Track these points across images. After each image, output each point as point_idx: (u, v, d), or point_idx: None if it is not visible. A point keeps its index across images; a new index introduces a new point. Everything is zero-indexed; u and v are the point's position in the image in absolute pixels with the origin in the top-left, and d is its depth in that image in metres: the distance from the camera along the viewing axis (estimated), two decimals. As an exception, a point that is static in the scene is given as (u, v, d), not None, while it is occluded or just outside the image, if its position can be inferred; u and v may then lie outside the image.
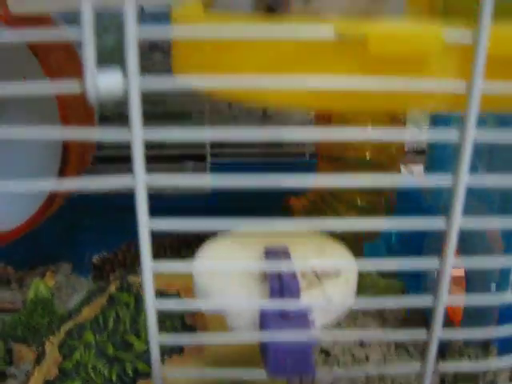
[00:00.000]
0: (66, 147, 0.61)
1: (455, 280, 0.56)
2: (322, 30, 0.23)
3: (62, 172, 0.62)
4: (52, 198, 0.65)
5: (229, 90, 0.24)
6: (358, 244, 0.65)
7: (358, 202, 0.62)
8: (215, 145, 0.79)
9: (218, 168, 0.78)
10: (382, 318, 0.58)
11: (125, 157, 0.75)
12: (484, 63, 0.24)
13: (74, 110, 0.62)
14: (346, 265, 0.39)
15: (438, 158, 0.61)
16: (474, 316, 0.51)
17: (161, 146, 0.74)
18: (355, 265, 0.38)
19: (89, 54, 0.24)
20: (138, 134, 0.25)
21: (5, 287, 0.78)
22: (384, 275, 0.68)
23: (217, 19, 0.27)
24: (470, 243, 0.54)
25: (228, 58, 0.26)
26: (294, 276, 0.34)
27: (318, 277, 0.36)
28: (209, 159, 0.79)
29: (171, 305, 0.28)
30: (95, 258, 0.74)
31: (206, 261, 0.40)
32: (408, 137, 0.56)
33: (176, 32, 0.24)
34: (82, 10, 0.23)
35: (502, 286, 0.49)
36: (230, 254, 0.42)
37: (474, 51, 0.24)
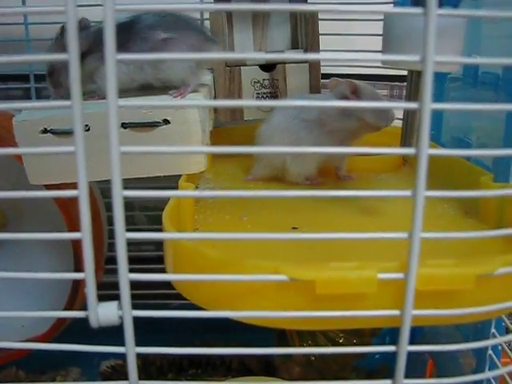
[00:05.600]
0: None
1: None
2: (279, 275, 0.29)
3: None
4: (71, 303, 0.70)
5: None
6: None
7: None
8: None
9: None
10: None
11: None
12: (413, 296, 0.29)
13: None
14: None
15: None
16: None
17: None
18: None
19: (90, 289, 0.29)
20: (131, 350, 0.30)
21: (16, 392, 0.82)
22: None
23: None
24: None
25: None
26: None
27: None
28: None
29: None
30: (103, 368, 0.79)
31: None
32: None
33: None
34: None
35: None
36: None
37: (405, 287, 0.29)
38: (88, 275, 0.29)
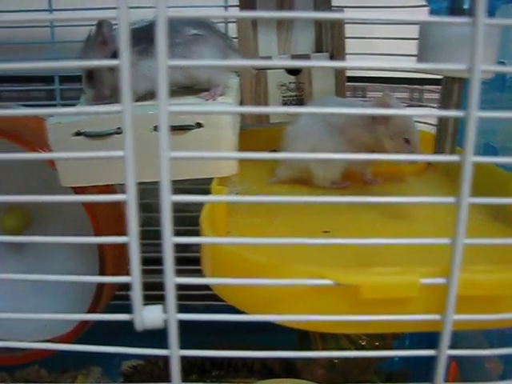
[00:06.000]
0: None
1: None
2: (324, 280, 0.29)
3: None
4: (95, 304, 0.71)
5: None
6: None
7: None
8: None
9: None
10: None
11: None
12: (455, 300, 0.29)
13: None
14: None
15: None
16: None
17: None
18: None
19: (136, 293, 0.30)
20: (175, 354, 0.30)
21: (38, 390, 0.83)
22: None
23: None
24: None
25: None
26: None
27: None
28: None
29: None
30: (125, 368, 0.79)
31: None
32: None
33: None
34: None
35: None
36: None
37: (447, 292, 0.29)
38: (135, 279, 0.29)
